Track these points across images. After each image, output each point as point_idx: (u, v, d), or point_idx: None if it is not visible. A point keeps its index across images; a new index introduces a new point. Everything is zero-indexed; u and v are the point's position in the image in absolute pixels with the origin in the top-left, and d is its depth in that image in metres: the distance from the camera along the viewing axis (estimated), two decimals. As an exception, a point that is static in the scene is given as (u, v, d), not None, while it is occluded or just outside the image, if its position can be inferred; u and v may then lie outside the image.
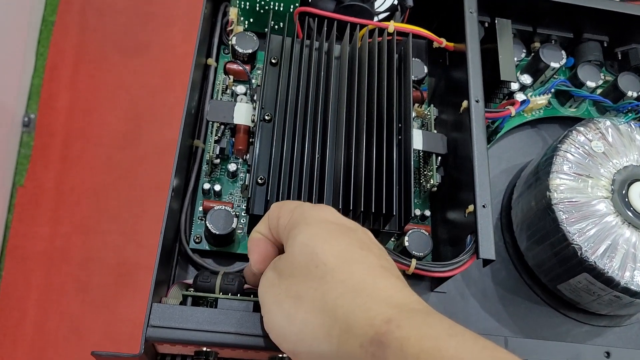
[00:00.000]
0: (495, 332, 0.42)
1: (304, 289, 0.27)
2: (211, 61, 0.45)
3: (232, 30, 0.46)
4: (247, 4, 0.45)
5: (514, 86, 0.47)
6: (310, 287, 0.27)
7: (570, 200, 0.40)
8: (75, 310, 0.96)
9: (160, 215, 0.35)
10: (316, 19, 0.43)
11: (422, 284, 0.43)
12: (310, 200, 0.37)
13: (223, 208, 0.39)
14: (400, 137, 0.40)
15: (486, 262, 0.36)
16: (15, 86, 1.04)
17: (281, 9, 0.45)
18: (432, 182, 0.43)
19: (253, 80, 0.46)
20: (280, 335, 0.28)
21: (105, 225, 1.02)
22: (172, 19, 1.18)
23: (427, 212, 0.44)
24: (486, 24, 0.47)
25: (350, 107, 0.40)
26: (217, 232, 0.39)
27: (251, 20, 0.47)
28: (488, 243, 0.36)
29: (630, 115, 0.47)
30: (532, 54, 0.50)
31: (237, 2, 0.45)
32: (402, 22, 0.46)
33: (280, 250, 0.32)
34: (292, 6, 0.45)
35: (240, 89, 0.45)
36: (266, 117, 0.40)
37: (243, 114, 0.41)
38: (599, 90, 0.50)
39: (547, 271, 0.42)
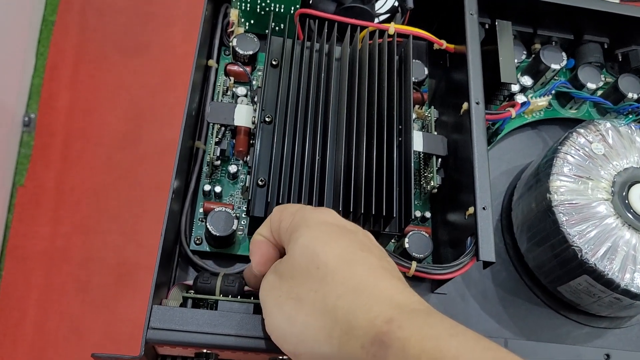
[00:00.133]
0: (495, 333, 0.42)
1: (304, 291, 0.27)
2: (212, 62, 0.45)
3: (232, 31, 0.46)
4: (248, 5, 0.45)
5: (515, 88, 0.47)
6: (311, 288, 0.27)
7: (571, 202, 0.40)
8: (75, 310, 0.96)
9: (160, 215, 0.35)
10: (317, 20, 0.43)
11: (423, 285, 0.43)
12: (310, 202, 0.37)
13: (223, 210, 0.39)
14: (400, 138, 0.40)
15: (486, 264, 0.36)
16: (15, 86, 1.04)
17: (282, 10, 0.45)
18: (432, 184, 0.43)
19: (254, 82, 0.46)
20: (282, 337, 0.28)
21: (106, 225, 1.02)
22: (172, 18, 1.18)
23: (428, 214, 0.44)
24: (486, 26, 0.47)
25: (350, 108, 0.40)
26: (218, 234, 0.39)
27: (252, 21, 0.47)
28: (488, 245, 0.36)
29: (630, 117, 0.47)
30: (533, 56, 0.50)
31: (238, 3, 0.45)
32: (403, 23, 0.46)
33: (282, 253, 0.32)
34: (292, 8, 0.45)
35: (241, 90, 0.45)
36: (267, 119, 0.40)
37: (244, 115, 0.41)
38: (599, 92, 0.50)
39: (547, 273, 0.42)
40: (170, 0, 1.19)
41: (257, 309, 0.33)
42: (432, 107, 0.46)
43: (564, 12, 0.47)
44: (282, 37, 0.42)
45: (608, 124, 0.43)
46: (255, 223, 0.39)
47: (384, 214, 0.37)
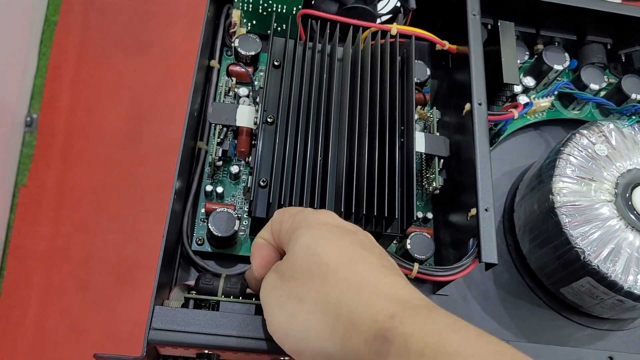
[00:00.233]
0: (497, 335, 0.41)
1: (305, 290, 0.28)
2: (214, 63, 0.45)
3: (234, 32, 0.45)
4: (250, 6, 0.45)
5: (517, 88, 0.47)
6: (312, 287, 0.27)
7: (573, 204, 0.39)
8: (76, 309, 0.96)
9: (161, 214, 0.36)
10: (319, 21, 0.43)
11: (424, 286, 0.43)
12: (312, 202, 0.37)
13: (225, 210, 0.39)
14: (402, 139, 0.40)
15: (488, 265, 0.36)
16: (17, 86, 1.04)
17: (284, 11, 0.45)
18: (434, 185, 0.43)
19: (256, 83, 0.46)
20: (283, 336, 0.28)
21: (106, 224, 1.02)
22: (173, 18, 1.18)
23: (430, 215, 0.44)
24: (489, 26, 0.47)
25: (352, 109, 0.40)
26: (219, 234, 0.39)
27: (254, 22, 0.47)
28: (490, 247, 0.36)
29: (634, 118, 0.47)
30: (535, 56, 0.50)
31: (240, 4, 0.45)
32: (405, 24, 0.46)
33: (283, 256, 0.32)
34: (294, 8, 0.45)
35: (243, 91, 0.45)
36: (269, 120, 0.40)
37: (245, 116, 0.41)
38: (602, 93, 0.50)
39: (549, 274, 0.42)
40: (171, -1, 1.19)
41: (259, 310, 0.33)
42: (435, 107, 0.46)
43: (567, 12, 0.47)
44: (284, 38, 0.42)
45: (611, 125, 0.42)
46: (256, 224, 0.39)
47: (386, 215, 0.37)
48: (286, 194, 0.37)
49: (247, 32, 0.46)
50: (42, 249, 0.99)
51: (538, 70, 0.48)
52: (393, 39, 0.43)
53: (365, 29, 0.43)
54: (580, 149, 0.41)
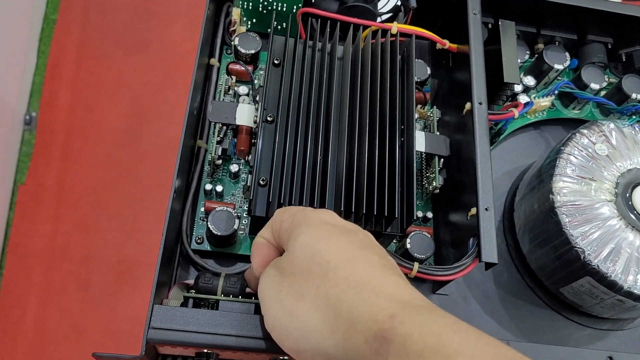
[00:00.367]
0: (497, 335, 0.42)
1: (306, 287, 0.27)
2: (214, 61, 0.45)
3: (234, 30, 0.45)
4: (250, 4, 0.45)
5: (517, 88, 0.47)
6: (313, 284, 0.27)
7: (574, 204, 0.39)
8: (76, 307, 0.96)
9: (160, 212, 0.35)
10: (319, 19, 0.43)
11: (424, 286, 0.43)
12: (312, 201, 0.37)
13: (225, 209, 0.39)
14: (402, 138, 0.40)
15: (488, 265, 0.36)
16: (16, 84, 1.04)
17: (284, 9, 0.45)
18: (434, 184, 0.43)
19: (255, 81, 0.45)
20: (283, 333, 0.28)
21: (106, 222, 1.02)
22: (173, 16, 1.18)
23: (430, 214, 0.44)
24: (490, 26, 0.47)
25: (352, 108, 0.40)
26: (219, 233, 0.38)
27: (254, 20, 0.46)
28: (490, 246, 0.36)
29: (634, 117, 0.47)
30: (536, 56, 0.50)
31: (240, 2, 0.45)
32: (405, 23, 0.46)
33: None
34: (295, 7, 0.44)
35: (243, 89, 0.44)
36: (268, 118, 0.39)
37: (245, 115, 0.41)
38: (602, 92, 0.50)
39: (549, 274, 0.42)
40: (171, -2, 1.19)
41: (258, 309, 0.32)
42: (435, 107, 0.46)
43: (568, 12, 0.47)
44: (284, 36, 0.42)
45: (611, 125, 0.42)
46: (256, 223, 0.39)
47: (386, 214, 0.37)
48: (286, 193, 0.37)
49: (247, 30, 0.46)
50: (41, 248, 0.99)
51: (538, 69, 0.48)
52: (393, 38, 0.42)
53: (365, 27, 0.43)
54: (580, 148, 0.41)
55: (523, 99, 0.47)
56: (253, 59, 0.45)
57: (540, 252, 0.42)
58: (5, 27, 0.98)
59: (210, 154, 0.42)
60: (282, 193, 0.37)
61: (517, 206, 0.45)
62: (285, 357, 0.33)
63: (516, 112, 0.44)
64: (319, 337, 0.26)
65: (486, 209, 0.37)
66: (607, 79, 0.49)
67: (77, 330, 0.95)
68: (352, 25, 0.43)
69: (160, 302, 0.34)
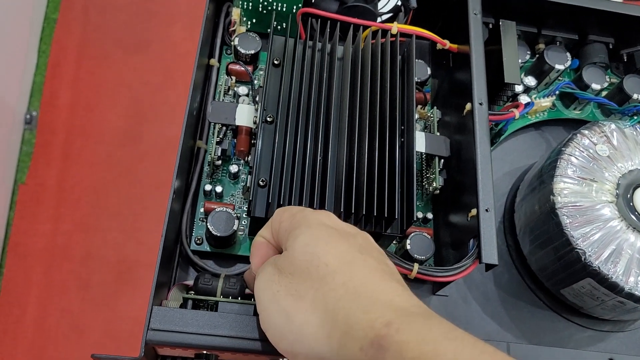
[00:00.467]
0: (497, 336, 0.42)
1: (304, 289, 0.27)
2: (213, 62, 0.45)
3: (234, 30, 0.45)
4: (250, 4, 0.45)
5: (518, 88, 0.47)
6: (311, 287, 0.27)
7: (575, 205, 0.39)
8: (76, 307, 0.96)
9: (160, 212, 0.35)
10: (319, 19, 0.43)
11: (424, 287, 0.42)
12: (312, 202, 0.37)
13: (224, 210, 0.39)
14: (402, 139, 0.40)
15: (489, 266, 0.36)
16: (17, 84, 1.04)
17: (284, 9, 0.45)
18: (434, 185, 0.43)
19: (255, 81, 0.45)
20: (278, 334, 0.28)
21: (106, 222, 1.02)
22: (173, 16, 1.18)
23: (430, 215, 0.44)
24: (490, 26, 0.47)
25: (352, 108, 0.40)
26: (218, 234, 0.38)
27: (254, 20, 0.46)
28: (491, 248, 0.36)
29: (635, 118, 0.47)
30: (537, 56, 0.49)
31: (240, 2, 0.45)
32: (406, 23, 0.46)
33: None
34: (294, 7, 0.44)
35: (243, 89, 0.44)
36: (268, 119, 0.39)
37: (245, 115, 0.41)
38: (604, 93, 0.49)
39: (550, 275, 0.42)
40: (171, -3, 1.19)
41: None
42: (435, 107, 0.46)
43: (569, 12, 0.47)
44: (284, 37, 0.42)
45: (613, 126, 0.42)
46: (256, 223, 0.38)
47: (386, 215, 0.37)
48: (285, 193, 0.37)
49: (246, 30, 0.46)
50: (41, 247, 0.99)
51: (539, 69, 0.48)
52: (393, 38, 0.42)
53: (365, 27, 0.43)
54: (581, 149, 0.41)
55: (524, 99, 0.47)
56: (253, 59, 0.45)
57: (540, 254, 0.42)
58: (6, 26, 0.98)
59: (210, 154, 0.42)
60: (282, 194, 0.37)
61: (517, 207, 0.45)
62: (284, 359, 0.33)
63: (517, 113, 0.44)
64: (314, 342, 0.26)
65: (486, 210, 0.37)
66: (608, 79, 0.49)
67: (77, 330, 0.95)
68: (352, 25, 0.43)
69: (159, 303, 0.34)
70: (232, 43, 0.45)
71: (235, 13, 0.45)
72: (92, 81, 1.11)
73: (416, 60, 0.45)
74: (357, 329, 0.25)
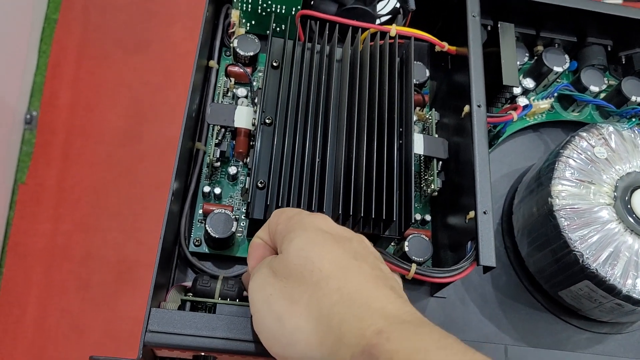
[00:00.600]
0: (495, 338, 0.42)
1: (298, 293, 0.27)
2: (213, 63, 0.45)
3: (233, 32, 0.45)
4: (249, 6, 0.45)
5: (517, 90, 0.47)
6: (305, 291, 0.27)
7: (572, 207, 0.39)
8: (76, 307, 0.96)
9: (160, 213, 0.35)
10: (318, 21, 0.43)
11: (422, 288, 0.43)
12: (310, 204, 0.37)
13: (223, 211, 0.39)
14: (401, 141, 0.40)
15: (486, 269, 0.36)
16: (17, 84, 1.04)
17: (283, 11, 0.45)
18: (432, 187, 0.43)
19: (254, 83, 0.45)
20: (271, 338, 0.28)
21: (106, 222, 1.02)
22: (173, 16, 1.18)
23: (428, 217, 0.44)
24: (489, 28, 0.47)
25: (351, 110, 0.40)
26: (217, 236, 0.38)
27: (253, 22, 0.46)
28: (489, 250, 0.36)
29: (633, 120, 0.47)
30: (535, 58, 0.49)
31: (239, 4, 0.45)
32: (404, 25, 0.46)
33: None
34: (293, 9, 0.44)
35: (242, 91, 0.44)
36: (267, 121, 0.39)
37: (244, 117, 0.41)
38: (602, 95, 0.49)
39: (548, 277, 0.42)
40: (171, -2, 1.19)
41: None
42: (433, 109, 0.46)
43: (567, 14, 0.47)
44: (283, 38, 0.42)
45: (611, 128, 0.42)
46: (254, 225, 0.38)
47: (384, 217, 0.37)
48: (284, 195, 0.37)
49: (246, 32, 0.46)
50: (41, 247, 0.99)
51: (538, 71, 0.48)
52: (392, 40, 0.42)
53: (364, 29, 0.43)
54: (579, 151, 0.41)
55: (522, 101, 0.47)
56: (252, 61, 0.45)
57: (538, 255, 0.42)
58: (7, 26, 0.98)
59: (209, 156, 0.42)
60: (280, 196, 0.37)
61: (515, 209, 0.45)
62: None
63: (515, 115, 0.44)
64: (306, 347, 0.27)
65: (484, 213, 0.37)
66: (606, 82, 0.49)
67: (77, 330, 0.95)
68: (350, 27, 0.43)
69: (157, 305, 0.34)
70: (231, 45, 0.45)
71: (235, 15, 0.45)
72: (92, 81, 1.11)
73: (415, 62, 0.45)
74: (349, 336, 0.25)
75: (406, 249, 0.40)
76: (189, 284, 0.38)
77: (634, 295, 0.38)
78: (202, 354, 0.33)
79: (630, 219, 0.39)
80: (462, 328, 0.42)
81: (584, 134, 0.42)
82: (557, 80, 0.50)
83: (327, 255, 0.28)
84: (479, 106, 0.40)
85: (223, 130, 0.42)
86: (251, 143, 0.41)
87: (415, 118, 0.46)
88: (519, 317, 0.43)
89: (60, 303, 0.96)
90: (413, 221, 0.39)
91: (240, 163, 0.43)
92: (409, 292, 0.42)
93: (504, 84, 0.43)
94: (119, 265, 1.00)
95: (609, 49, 0.50)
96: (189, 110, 0.39)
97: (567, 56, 0.48)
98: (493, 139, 0.47)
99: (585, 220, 0.39)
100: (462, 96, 0.41)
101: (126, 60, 1.13)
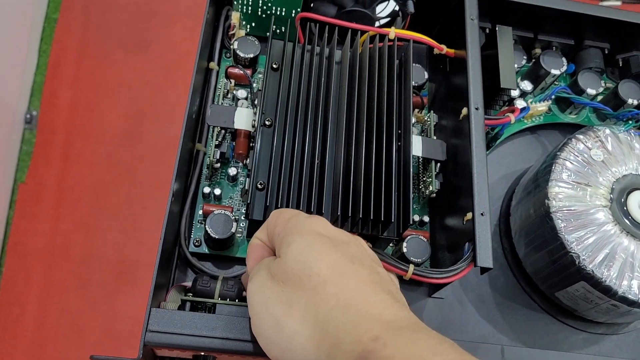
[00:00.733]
0: (492, 339, 0.42)
1: (295, 297, 0.28)
2: (213, 65, 0.45)
3: (234, 34, 0.46)
4: (249, 8, 0.45)
5: (514, 92, 0.47)
6: (303, 296, 0.27)
7: (569, 209, 0.40)
8: (75, 307, 0.97)
9: (160, 213, 0.36)
10: (317, 24, 0.43)
11: (420, 289, 0.43)
12: (309, 205, 0.37)
13: (223, 212, 0.40)
14: (399, 143, 0.40)
15: (484, 270, 0.37)
16: (17, 83, 1.04)
17: (283, 14, 0.45)
18: (431, 189, 0.43)
19: (254, 85, 0.46)
20: (269, 342, 0.29)
21: (106, 222, 1.02)
22: (173, 16, 1.18)
23: (426, 218, 0.44)
24: (487, 30, 0.47)
25: (350, 112, 0.40)
26: (217, 236, 0.39)
27: (253, 24, 0.47)
28: (486, 251, 0.36)
29: (630, 123, 0.47)
30: (533, 61, 0.50)
31: (239, 6, 0.45)
32: (403, 28, 0.46)
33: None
34: (293, 11, 0.45)
35: (242, 93, 0.45)
36: (266, 123, 0.40)
37: (244, 119, 0.41)
38: (599, 98, 0.50)
39: (545, 278, 0.42)
40: (171, -2, 1.20)
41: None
42: (432, 111, 0.46)
43: (565, 17, 0.47)
44: (282, 40, 0.42)
45: (607, 131, 0.43)
46: (254, 226, 0.39)
47: (382, 218, 0.37)
48: (283, 196, 0.37)
49: (246, 34, 0.46)
50: (41, 247, 1.00)
51: (535, 74, 0.49)
52: (391, 43, 0.43)
53: (363, 32, 0.43)
54: (576, 154, 0.41)
55: (520, 103, 0.47)
56: (252, 63, 0.46)
57: (535, 257, 0.42)
58: (7, 26, 0.98)
59: (209, 157, 0.42)
60: (280, 197, 0.37)
61: (513, 210, 0.46)
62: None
63: (513, 118, 0.45)
64: (303, 352, 0.27)
65: (482, 214, 0.37)
66: (603, 84, 0.49)
67: (77, 329, 0.95)
68: (350, 29, 0.43)
69: (158, 305, 0.35)
70: (232, 47, 0.45)
71: (235, 17, 0.45)
72: (92, 81, 1.11)
73: (413, 64, 0.46)
74: (345, 342, 0.25)
75: (404, 249, 0.40)
76: (188, 284, 0.38)
77: (629, 296, 0.38)
78: (202, 353, 0.33)
79: (626, 220, 0.40)
80: (459, 328, 0.42)
81: (581, 137, 0.42)
82: (555, 82, 0.50)
83: (325, 259, 0.28)
84: (476, 108, 0.40)
85: (223, 131, 0.43)
86: (251, 144, 0.42)
87: (413, 120, 0.46)
88: (516, 317, 0.44)
89: (60, 303, 0.97)
90: (411, 222, 0.39)
91: (240, 164, 0.44)
92: (407, 293, 0.42)
93: (501, 86, 0.44)
94: (119, 265, 1.00)
95: (606, 52, 0.50)
96: (189, 111, 0.39)
97: (564, 59, 0.49)
98: (491, 141, 0.47)
99: (581, 222, 0.39)
100: (460, 98, 0.42)
101: (126, 60, 1.13)
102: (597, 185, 0.41)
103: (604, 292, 0.39)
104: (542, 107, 0.48)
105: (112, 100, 1.10)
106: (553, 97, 0.49)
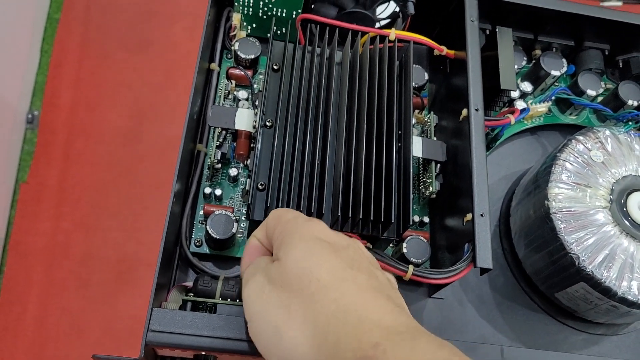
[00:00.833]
0: (492, 339, 0.43)
1: (295, 304, 0.27)
2: (214, 66, 0.45)
3: (235, 35, 0.46)
4: (250, 9, 0.45)
5: (514, 94, 0.48)
6: (302, 302, 0.27)
7: (569, 210, 0.40)
8: (76, 306, 0.97)
9: (161, 212, 0.36)
10: (318, 25, 0.44)
11: (420, 290, 0.43)
12: (309, 206, 0.37)
13: (223, 213, 0.40)
14: (399, 144, 0.40)
15: (483, 270, 0.37)
16: (19, 83, 1.04)
17: (284, 15, 0.45)
18: (431, 189, 0.43)
19: (255, 86, 0.46)
20: (268, 347, 0.28)
21: (106, 222, 1.02)
22: (174, 16, 1.18)
23: (426, 219, 0.44)
24: (487, 31, 0.48)
25: (350, 113, 0.40)
26: (217, 237, 0.39)
27: (254, 25, 0.47)
28: (485, 252, 0.36)
29: (630, 124, 0.47)
30: (533, 62, 0.50)
31: (240, 7, 0.45)
32: (404, 29, 0.46)
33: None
34: (294, 12, 0.45)
35: (242, 94, 0.45)
36: (267, 123, 0.40)
37: (244, 119, 0.41)
38: (599, 99, 0.50)
39: (544, 279, 0.43)
40: (173, -2, 1.20)
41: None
42: (432, 112, 0.46)
43: (565, 18, 0.47)
44: (283, 42, 0.42)
45: (607, 132, 0.43)
46: (254, 226, 0.39)
47: (383, 218, 0.37)
48: (284, 197, 0.37)
49: (247, 35, 0.46)
50: (42, 246, 1.00)
51: (535, 75, 0.49)
52: (391, 44, 0.43)
53: (364, 33, 0.44)
54: (576, 155, 0.42)
55: (520, 104, 0.47)
56: (252, 64, 0.46)
57: (535, 257, 0.42)
58: (9, 26, 0.99)
59: (210, 157, 0.42)
60: (280, 197, 0.37)
61: (513, 211, 0.46)
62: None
63: (513, 119, 0.45)
64: (303, 358, 0.27)
65: (481, 215, 0.37)
66: (603, 85, 0.49)
67: (77, 328, 0.96)
68: (350, 31, 0.43)
69: (159, 305, 0.35)
70: (233, 48, 0.45)
71: (236, 18, 0.45)
72: (93, 81, 1.12)
73: (414, 65, 0.46)
74: (345, 349, 0.25)
75: (404, 250, 0.40)
76: (190, 284, 0.38)
77: (629, 297, 0.38)
78: (203, 353, 0.34)
79: (626, 221, 0.40)
80: (459, 329, 0.43)
81: (581, 138, 0.42)
82: (555, 83, 0.50)
83: (325, 264, 0.28)
84: (476, 110, 0.41)
85: (224, 132, 0.43)
86: (252, 145, 0.42)
87: (414, 121, 0.46)
88: (516, 318, 0.44)
89: (60, 302, 0.97)
90: (411, 223, 0.39)
91: (241, 165, 0.44)
92: (407, 293, 0.42)
93: (501, 87, 0.44)
94: (119, 264, 1.00)
95: (606, 53, 0.50)
96: (190, 112, 0.39)
97: (564, 60, 0.49)
98: (491, 142, 0.47)
99: (581, 223, 0.39)
100: (461, 99, 0.42)
101: (127, 60, 1.14)
102: (597, 187, 0.41)
103: (603, 293, 0.39)
104: (542, 108, 0.48)
105: (112, 100, 1.11)
106: (553, 98, 0.49)
